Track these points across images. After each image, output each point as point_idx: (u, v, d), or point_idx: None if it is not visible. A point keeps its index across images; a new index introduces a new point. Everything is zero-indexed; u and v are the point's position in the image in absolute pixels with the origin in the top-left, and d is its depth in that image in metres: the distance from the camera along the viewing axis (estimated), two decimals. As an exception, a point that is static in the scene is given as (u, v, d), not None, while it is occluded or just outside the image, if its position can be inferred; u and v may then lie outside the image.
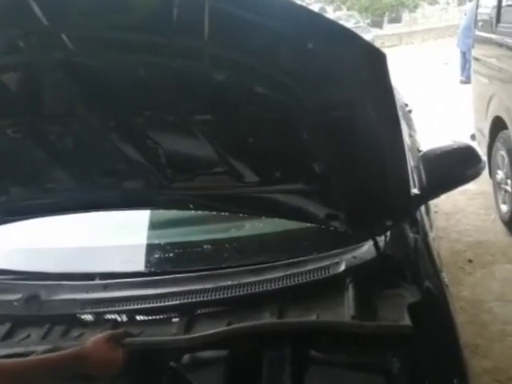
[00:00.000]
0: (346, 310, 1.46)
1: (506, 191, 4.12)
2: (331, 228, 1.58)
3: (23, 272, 1.85)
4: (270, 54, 1.11)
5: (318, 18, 1.06)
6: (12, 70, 1.29)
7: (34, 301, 1.69)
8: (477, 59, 4.79)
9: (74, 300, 1.67)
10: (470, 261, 3.84)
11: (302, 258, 1.62)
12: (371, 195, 1.39)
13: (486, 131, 4.40)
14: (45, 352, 1.44)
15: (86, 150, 1.54)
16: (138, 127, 1.39)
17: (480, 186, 4.45)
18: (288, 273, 1.58)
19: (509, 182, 4.02)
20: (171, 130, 1.39)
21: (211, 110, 1.29)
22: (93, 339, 1.42)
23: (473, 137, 4.94)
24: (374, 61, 1.06)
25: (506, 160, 4.00)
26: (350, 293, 1.49)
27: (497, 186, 4.33)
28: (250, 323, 1.48)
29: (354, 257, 1.58)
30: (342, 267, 1.56)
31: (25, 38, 1.15)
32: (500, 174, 4.22)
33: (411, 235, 1.70)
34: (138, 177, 1.56)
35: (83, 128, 1.45)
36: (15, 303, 1.69)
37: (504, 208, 4.17)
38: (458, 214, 4.58)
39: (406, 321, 1.37)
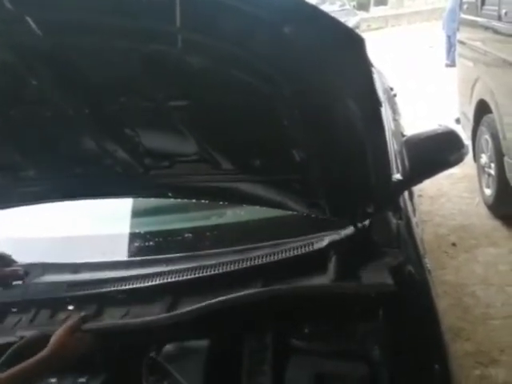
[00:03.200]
0: (327, 277, 1.46)
1: (489, 175, 4.14)
2: (313, 215, 1.56)
3: None
4: (245, 39, 1.07)
5: (294, 2, 1.03)
6: None
7: (19, 284, 1.70)
8: (462, 42, 4.77)
9: (59, 282, 1.67)
10: (454, 244, 3.86)
11: (286, 240, 1.61)
12: (352, 182, 1.37)
13: (471, 115, 4.40)
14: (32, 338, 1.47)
15: (59, 139, 1.50)
16: (113, 115, 1.35)
17: (464, 169, 4.46)
18: (272, 250, 1.57)
19: (492, 165, 4.03)
20: (147, 117, 1.35)
21: (187, 96, 1.26)
22: (55, 337, 1.46)
23: (457, 120, 4.94)
24: (352, 46, 1.04)
25: (490, 144, 4.01)
26: (333, 263, 1.49)
27: (481, 169, 4.34)
28: (227, 297, 1.46)
29: (337, 233, 1.57)
30: (326, 242, 1.55)
31: None
32: (484, 158, 4.23)
33: (394, 221, 1.69)
34: (114, 166, 1.52)
35: (55, 116, 1.41)
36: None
37: (488, 192, 4.19)
38: (442, 197, 4.60)
39: (388, 280, 1.37)
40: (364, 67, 1.08)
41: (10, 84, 1.31)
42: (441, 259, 3.63)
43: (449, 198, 4.60)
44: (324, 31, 1.02)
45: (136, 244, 1.89)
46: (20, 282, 1.74)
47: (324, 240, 1.56)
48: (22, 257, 1.83)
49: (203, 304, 1.45)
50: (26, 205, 1.74)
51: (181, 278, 1.57)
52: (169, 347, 1.53)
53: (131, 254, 1.85)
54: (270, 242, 1.63)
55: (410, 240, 1.73)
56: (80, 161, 1.54)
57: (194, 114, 1.30)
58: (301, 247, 1.56)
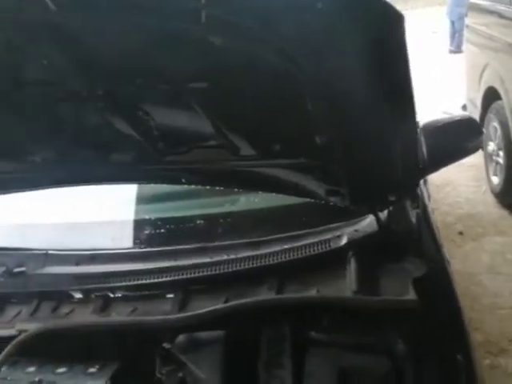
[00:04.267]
0: (347, 284, 1.41)
1: (497, 163, 4.09)
2: (330, 203, 1.51)
3: (5, 248, 1.76)
4: (272, 16, 1.01)
5: None
6: None
7: (19, 275, 1.62)
8: (470, 28, 4.70)
9: (62, 274, 1.60)
10: (461, 233, 3.83)
11: (301, 232, 1.55)
12: (376, 169, 1.32)
13: (479, 102, 4.34)
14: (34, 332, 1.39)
15: (70, 121, 1.44)
16: (128, 97, 1.30)
17: (471, 157, 4.39)
18: (286, 247, 1.52)
19: (501, 153, 3.99)
20: (164, 100, 1.30)
21: (207, 78, 1.20)
22: None
23: (464, 107, 4.88)
24: (390, 23, 0.97)
25: (499, 131, 3.96)
26: (352, 267, 1.44)
27: (488, 157, 4.29)
28: (249, 300, 1.41)
29: (356, 230, 1.52)
30: (344, 241, 1.50)
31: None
32: (492, 146, 4.18)
33: (412, 209, 1.65)
34: (127, 150, 1.47)
35: (67, 97, 1.35)
36: (0, 279, 1.62)
37: (495, 180, 4.15)
38: (448, 186, 4.55)
39: (411, 295, 1.32)
40: (402, 48, 1.02)
41: (21, 63, 1.25)
42: (448, 248, 3.59)
43: (455, 186, 4.56)
44: (360, 6, 0.96)
45: (145, 231, 1.83)
46: (23, 269, 1.67)
47: (342, 238, 1.51)
48: (24, 244, 1.78)
49: (220, 307, 1.40)
50: (33, 190, 1.69)
51: (192, 276, 1.52)
52: (182, 337, 1.48)
53: (139, 242, 1.78)
54: (286, 235, 1.58)
55: (429, 230, 1.69)
56: (91, 145, 1.48)
57: (214, 97, 1.25)
58: (317, 244, 1.51)
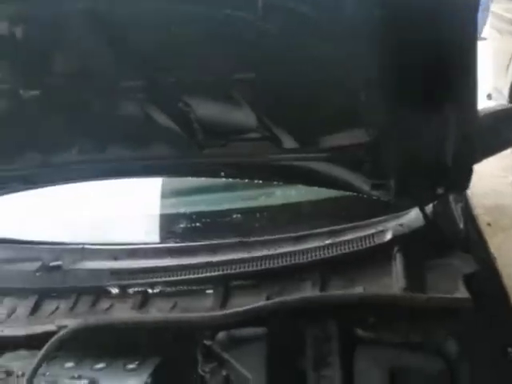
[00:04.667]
0: (394, 281, 1.37)
1: (525, 153, 4.00)
2: (374, 197, 1.46)
3: (43, 242, 1.74)
4: (330, 2, 0.96)
5: None
6: (25, 21, 1.14)
7: (57, 271, 1.60)
8: (496, 14, 4.58)
9: (101, 270, 1.58)
10: (489, 224, 3.75)
11: (343, 226, 1.51)
12: (428, 161, 1.27)
13: (506, 90, 4.24)
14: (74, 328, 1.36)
15: (109, 114, 1.41)
16: (169, 88, 1.26)
17: (497, 147, 4.32)
18: (329, 242, 1.48)
19: (529, 143, 3.89)
20: (207, 91, 1.26)
21: (254, 68, 1.16)
22: None
23: (489, 96, 4.77)
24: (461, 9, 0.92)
25: (527, 120, 3.86)
26: (398, 263, 1.40)
27: (515, 147, 4.20)
28: (292, 297, 1.38)
29: (401, 225, 1.48)
30: (389, 236, 1.46)
31: None
32: (519, 135, 4.09)
33: (456, 203, 1.59)
34: (166, 143, 1.43)
35: (107, 88, 1.32)
36: (37, 274, 1.60)
37: (523, 170, 4.06)
38: (474, 176, 4.46)
39: (464, 293, 1.28)
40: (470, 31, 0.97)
41: (62, 54, 1.21)
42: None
43: (481, 176, 4.46)
44: None
45: (180, 225, 1.80)
46: (59, 263, 1.65)
47: (386, 233, 1.47)
48: (62, 237, 1.76)
49: (265, 303, 1.37)
50: (70, 183, 1.66)
51: (233, 271, 1.49)
52: (223, 334, 1.45)
53: (175, 236, 1.76)
54: (327, 229, 1.54)
55: (473, 225, 1.64)
56: (130, 138, 1.45)
57: (260, 88, 1.21)
58: (362, 240, 1.47)
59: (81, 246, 1.66)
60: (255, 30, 1.03)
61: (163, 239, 1.76)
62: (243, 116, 1.29)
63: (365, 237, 1.47)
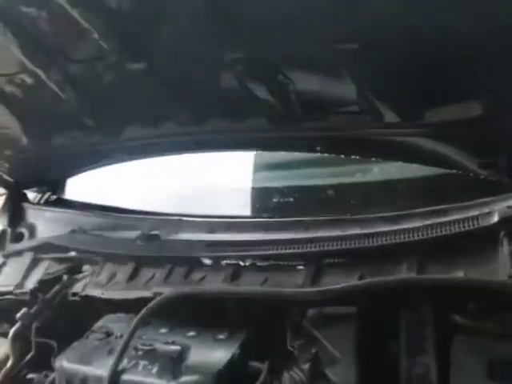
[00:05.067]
0: (501, 267, 1.26)
1: None
2: (482, 176, 1.36)
3: (141, 211, 1.80)
4: None
5: None
6: None
7: (155, 240, 1.66)
8: None
9: (195, 241, 1.61)
10: None
11: (444, 206, 1.42)
12: None
13: None
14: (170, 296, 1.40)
15: (207, 86, 1.42)
16: (269, 60, 1.24)
17: None
18: (429, 223, 1.38)
19: None
20: (307, 63, 1.22)
21: (358, 38, 1.10)
22: None
23: None
24: None
25: None
26: (505, 248, 1.28)
27: None
28: (387, 278, 1.33)
29: (509, 207, 1.36)
30: (495, 218, 1.34)
31: None
32: None
33: None
34: (263, 115, 1.42)
35: (206, 60, 1.32)
36: (137, 242, 1.67)
37: None
38: None
39: None
40: None
41: (163, 27, 1.22)
42: None
43: None
44: None
45: (273, 200, 1.79)
46: (157, 233, 1.71)
47: (493, 215, 1.35)
48: (159, 208, 1.81)
49: (358, 283, 1.32)
50: (168, 155, 1.71)
51: (325, 249, 1.44)
52: (313, 311, 1.43)
53: (269, 210, 1.75)
54: (427, 209, 1.44)
55: None
56: (227, 110, 1.45)
57: (362, 58, 1.15)
58: (464, 221, 1.36)
59: (178, 218, 1.71)
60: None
61: (256, 213, 1.75)
62: (343, 88, 1.25)
63: (468, 218, 1.36)
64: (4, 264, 1.80)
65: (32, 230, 1.92)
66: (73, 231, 1.83)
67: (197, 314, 1.48)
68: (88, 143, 1.73)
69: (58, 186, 2.04)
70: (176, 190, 1.90)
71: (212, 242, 1.58)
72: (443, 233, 1.36)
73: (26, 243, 1.86)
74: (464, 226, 1.35)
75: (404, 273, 1.34)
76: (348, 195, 1.69)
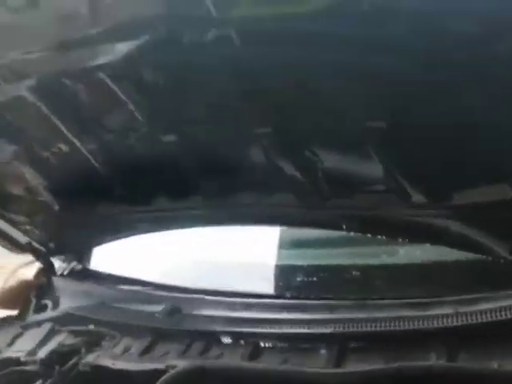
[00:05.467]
0: None
1: None
2: (513, 264, 1.32)
3: (164, 285, 1.80)
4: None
5: None
6: (165, 67, 1.22)
7: (175, 314, 1.63)
8: None
9: (216, 317, 1.58)
10: None
11: (476, 295, 1.36)
12: None
13: None
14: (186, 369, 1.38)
15: (234, 161, 1.44)
16: (298, 135, 1.26)
17: None
18: (460, 310, 1.33)
19: None
20: (336, 140, 1.23)
21: (388, 116, 1.12)
22: None
23: None
24: None
25: None
26: None
27: None
28: (416, 363, 1.26)
29: None
30: None
31: (189, 29, 1.06)
32: None
33: None
34: (289, 192, 1.43)
35: (233, 134, 1.35)
36: (157, 315, 1.64)
37: None
38: None
39: None
40: None
41: (195, 99, 1.27)
42: None
43: None
44: None
45: (296, 278, 1.76)
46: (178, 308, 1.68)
47: None
48: (181, 280, 1.80)
49: (385, 367, 1.27)
50: (191, 228, 1.72)
51: (349, 330, 1.39)
52: None
53: (292, 288, 1.72)
54: (457, 298, 1.38)
55: None
56: (253, 185, 1.46)
57: (391, 137, 1.16)
58: (498, 311, 1.29)
59: (201, 294, 1.69)
60: (395, 75, 0.99)
61: (279, 290, 1.72)
62: (370, 166, 1.25)
63: (500, 308, 1.31)
64: (20, 334, 1.75)
65: (56, 301, 1.89)
66: (94, 304, 1.81)
67: None
68: (116, 212, 1.75)
69: (84, 255, 2.05)
70: (199, 262, 1.89)
71: (232, 319, 1.55)
72: (474, 321, 1.30)
73: (46, 314, 1.84)
74: (496, 316, 1.29)
75: (433, 360, 1.28)
76: (373, 277, 1.65)
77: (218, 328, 1.54)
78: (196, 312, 1.63)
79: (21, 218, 1.91)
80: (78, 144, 1.52)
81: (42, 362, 1.59)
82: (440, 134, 1.10)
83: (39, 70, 1.32)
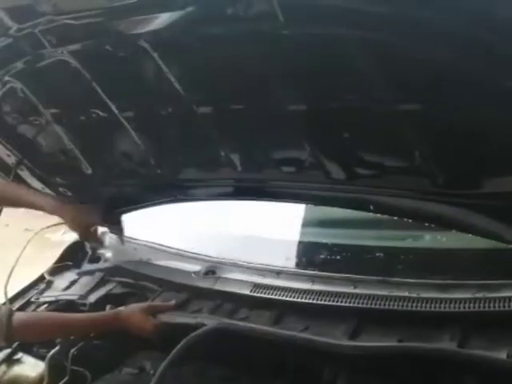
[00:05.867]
0: None
1: None
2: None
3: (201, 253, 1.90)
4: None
5: None
6: (211, 41, 1.23)
7: (210, 275, 1.77)
8: None
9: (246, 282, 1.68)
10: None
11: (497, 282, 1.38)
12: None
13: None
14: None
15: (267, 135, 1.45)
16: (330, 113, 1.27)
17: None
18: (478, 295, 1.36)
19: None
20: (368, 120, 1.24)
21: (423, 99, 1.12)
22: (132, 306, 1.68)
23: None
24: None
25: None
26: None
27: None
28: (425, 345, 1.30)
29: None
30: None
31: (233, 2, 1.07)
32: None
33: None
34: (318, 169, 1.43)
35: (268, 110, 1.36)
36: (193, 275, 1.78)
37: None
38: None
39: None
40: None
41: (234, 72, 1.28)
42: None
43: None
44: None
45: (322, 255, 1.80)
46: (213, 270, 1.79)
47: None
48: (210, 251, 1.89)
49: (400, 345, 1.31)
50: (219, 200, 1.76)
51: (367, 306, 1.46)
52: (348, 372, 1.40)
53: (316, 265, 1.76)
54: (477, 282, 1.41)
55: None
56: (282, 161, 1.48)
57: (424, 120, 1.16)
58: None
59: (234, 262, 1.80)
60: (426, 58, 1.00)
61: (303, 266, 1.76)
62: (402, 146, 1.25)
63: None
64: (76, 281, 1.99)
65: (108, 255, 2.10)
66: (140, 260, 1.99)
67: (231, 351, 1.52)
68: (148, 180, 1.80)
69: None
70: (226, 235, 1.96)
71: (261, 285, 1.64)
72: (490, 309, 1.32)
73: (99, 265, 2.06)
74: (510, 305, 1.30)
75: (445, 343, 1.30)
76: (397, 259, 1.67)
77: (247, 292, 1.64)
78: (228, 276, 1.74)
79: (56, 180, 1.97)
80: (115, 111, 1.56)
81: (91, 305, 1.83)
82: (469, 122, 1.10)
83: (84, 37, 1.35)
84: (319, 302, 1.51)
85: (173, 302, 1.71)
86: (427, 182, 1.31)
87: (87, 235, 1.86)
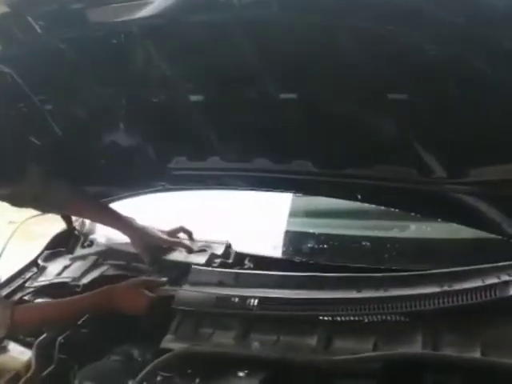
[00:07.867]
0: None
1: None
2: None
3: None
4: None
5: None
6: (202, 28, 1.23)
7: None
8: None
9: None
10: None
11: (463, 269, 1.32)
12: None
13: None
14: None
15: (257, 124, 1.47)
16: (320, 102, 1.29)
17: None
18: (445, 289, 1.28)
19: None
20: (358, 109, 1.26)
21: (410, 89, 1.14)
22: (126, 281, 1.63)
23: None
24: None
25: None
26: None
27: None
28: (402, 351, 1.24)
29: None
30: None
31: None
32: None
33: None
34: (307, 159, 1.45)
35: (258, 99, 1.38)
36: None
37: None
38: None
39: None
40: None
41: (229, 57, 1.29)
42: None
43: None
44: None
45: (308, 245, 1.81)
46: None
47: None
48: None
49: (373, 354, 1.25)
50: (209, 189, 1.77)
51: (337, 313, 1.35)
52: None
53: (300, 254, 1.76)
54: (445, 271, 1.34)
55: None
56: (274, 151, 1.50)
57: (413, 110, 1.18)
58: (482, 290, 1.23)
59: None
60: (416, 50, 1.02)
61: (288, 255, 1.77)
62: (392, 137, 1.27)
63: (485, 287, 1.24)
64: (69, 265, 1.98)
65: (101, 239, 2.10)
66: None
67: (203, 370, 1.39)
68: (136, 169, 1.80)
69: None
70: (212, 224, 1.96)
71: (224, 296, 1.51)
72: (459, 303, 1.24)
73: (92, 249, 2.06)
74: (482, 296, 1.23)
75: (418, 344, 1.25)
76: (383, 249, 1.68)
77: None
78: None
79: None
80: (105, 98, 1.56)
81: (85, 286, 1.83)
82: (459, 110, 1.12)
83: (75, 22, 1.34)
84: (290, 312, 1.40)
85: (165, 279, 1.68)
86: (414, 171, 1.33)
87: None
